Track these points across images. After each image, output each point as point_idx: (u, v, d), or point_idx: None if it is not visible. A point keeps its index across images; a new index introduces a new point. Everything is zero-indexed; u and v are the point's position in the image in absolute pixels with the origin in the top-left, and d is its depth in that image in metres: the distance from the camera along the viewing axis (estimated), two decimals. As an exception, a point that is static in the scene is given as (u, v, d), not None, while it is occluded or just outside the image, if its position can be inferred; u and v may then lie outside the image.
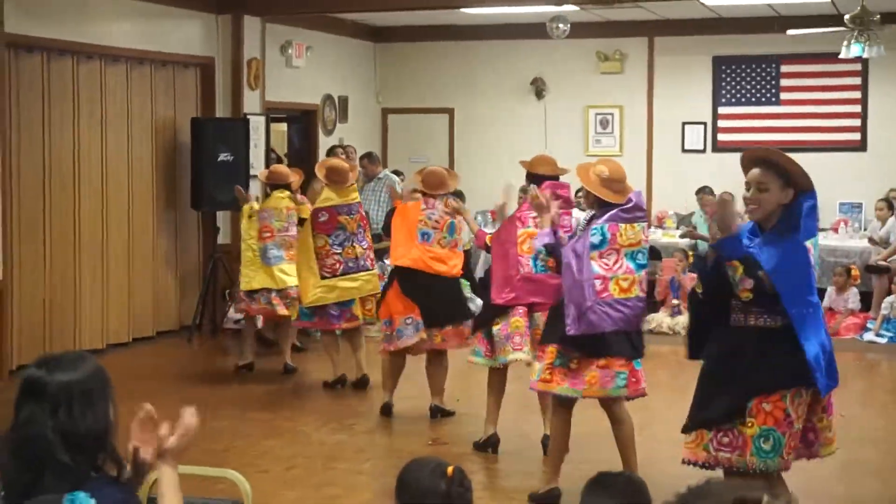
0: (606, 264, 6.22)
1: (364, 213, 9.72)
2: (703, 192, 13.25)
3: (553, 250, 6.47)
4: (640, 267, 6.31)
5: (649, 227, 14.24)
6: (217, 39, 12.54)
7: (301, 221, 9.89)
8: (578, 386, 6.32)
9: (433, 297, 8.32)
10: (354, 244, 9.38)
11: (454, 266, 8.51)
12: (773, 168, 4.99)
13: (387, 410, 8.60)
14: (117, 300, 11.25)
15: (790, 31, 12.51)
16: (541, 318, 7.15)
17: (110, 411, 3.39)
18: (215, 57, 12.53)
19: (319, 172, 9.60)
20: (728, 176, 13.62)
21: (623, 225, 6.27)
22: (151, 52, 11.62)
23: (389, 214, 8.83)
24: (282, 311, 9.99)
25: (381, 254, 11.97)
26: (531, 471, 7.06)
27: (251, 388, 9.70)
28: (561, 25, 12.23)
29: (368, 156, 13.09)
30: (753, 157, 5.09)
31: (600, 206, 6.36)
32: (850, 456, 7.26)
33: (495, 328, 7.39)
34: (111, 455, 3.37)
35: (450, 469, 3.38)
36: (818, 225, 5.12)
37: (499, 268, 7.41)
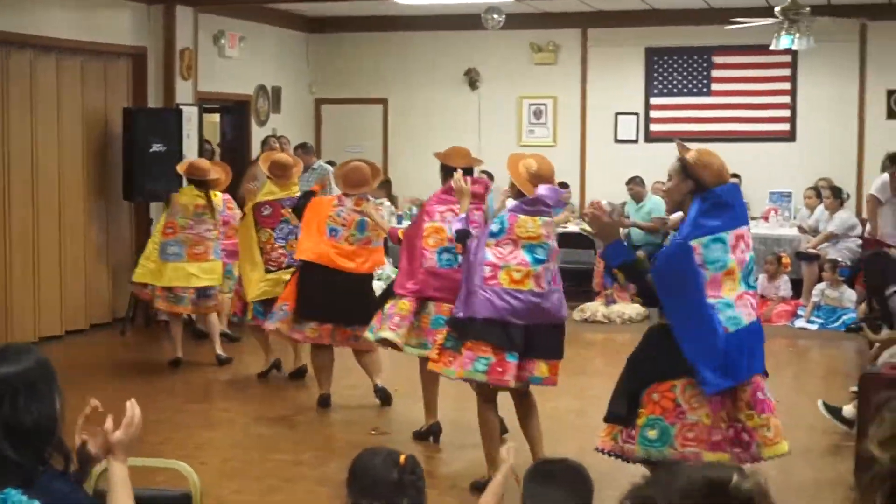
0: (500, 253, 6.27)
1: None
2: (634, 181, 13.38)
3: (463, 237, 6.51)
4: (538, 261, 6.30)
5: (579, 218, 14.37)
6: (149, 29, 12.40)
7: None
8: (456, 368, 6.36)
9: (334, 292, 8.31)
10: (298, 237, 9.33)
11: (363, 263, 8.49)
12: (679, 160, 5.21)
13: (324, 402, 8.58)
14: (49, 293, 11.10)
15: (726, 27, 12.62)
16: (433, 307, 7.23)
17: (56, 404, 3.34)
18: (147, 47, 12.39)
19: (263, 165, 9.54)
20: (660, 166, 13.76)
21: (523, 217, 6.30)
22: (83, 43, 11.45)
23: (305, 198, 8.81)
24: (159, 304, 10.08)
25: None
26: (472, 458, 7.08)
27: (187, 380, 9.63)
28: (496, 16, 12.27)
29: (303, 146, 13.02)
30: None
31: (520, 195, 6.41)
32: (789, 440, 7.38)
33: (386, 306, 7.44)
34: (58, 448, 3.33)
35: (402, 457, 3.39)
36: (721, 224, 5.16)
37: (404, 260, 7.44)
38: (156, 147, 11.66)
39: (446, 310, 6.90)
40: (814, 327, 11.70)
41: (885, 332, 7.99)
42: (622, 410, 5.21)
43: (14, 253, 10.68)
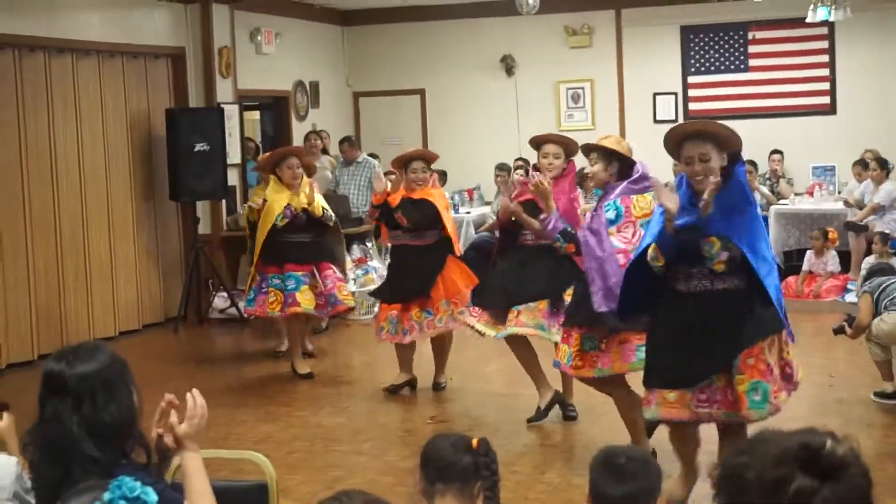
0: (625, 238, 6.26)
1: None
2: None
3: (571, 235, 6.54)
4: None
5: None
6: (186, 29, 12.49)
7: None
8: (606, 365, 6.42)
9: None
10: None
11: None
12: (708, 138, 5.23)
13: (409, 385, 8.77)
14: (101, 294, 11.22)
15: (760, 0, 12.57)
16: None
17: (134, 397, 3.40)
18: (186, 47, 12.48)
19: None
20: (701, 144, 13.74)
21: (635, 196, 6.31)
22: (122, 45, 11.56)
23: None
24: None
25: (363, 237, 12.03)
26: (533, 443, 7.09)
27: (242, 376, 9.69)
28: (531, 1, 12.24)
29: (348, 140, 13.06)
30: (683, 133, 5.33)
31: (624, 173, 6.38)
32: (848, 414, 7.42)
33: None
34: (139, 441, 3.39)
35: (475, 441, 3.44)
36: None
37: None
38: (199, 146, 11.75)
39: None
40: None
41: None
42: (703, 373, 5.30)
43: (66, 257, 10.81)
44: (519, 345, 7.61)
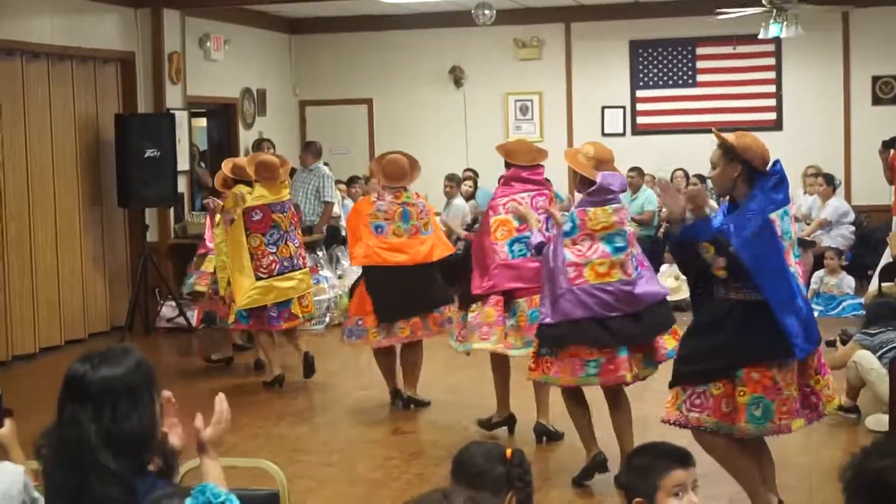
0: (579, 251, 6.26)
1: (294, 209, 9.54)
2: (635, 172, 13.16)
3: (540, 249, 6.52)
4: (619, 250, 6.29)
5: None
6: (137, 33, 12.30)
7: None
8: (556, 374, 6.35)
9: (401, 286, 8.15)
10: (288, 242, 9.18)
11: (418, 253, 8.32)
12: (721, 146, 5.34)
13: (397, 395, 8.43)
14: (47, 303, 10.96)
15: (715, 17, 12.63)
16: (525, 303, 7.16)
17: (156, 406, 3.29)
18: (135, 51, 12.28)
19: (249, 168, 9.33)
20: (648, 158, 13.82)
21: (592, 209, 6.30)
22: (71, 48, 11.34)
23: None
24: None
25: (313, 246, 11.89)
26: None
27: (195, 386, 9.50)
28: (486, 11, 12.26)
29: (308, 146, 12.88)
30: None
31: (587, 185, 6.39)
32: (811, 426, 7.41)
33: (470, 314, 7.36)
34: (157, 451, 3.28)
35: (508, 451, 3.40)
36: (785, 197, 5.39)
37: (476, 258, 7.40)
38: (149, 153, 11.55)
39: (538, 301, 6.73)
40: (814, 315, 11.67)
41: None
42: (695, 372, 5.36)
43: (11, 264, 10.53)
44: (497, 361, 7.53)
